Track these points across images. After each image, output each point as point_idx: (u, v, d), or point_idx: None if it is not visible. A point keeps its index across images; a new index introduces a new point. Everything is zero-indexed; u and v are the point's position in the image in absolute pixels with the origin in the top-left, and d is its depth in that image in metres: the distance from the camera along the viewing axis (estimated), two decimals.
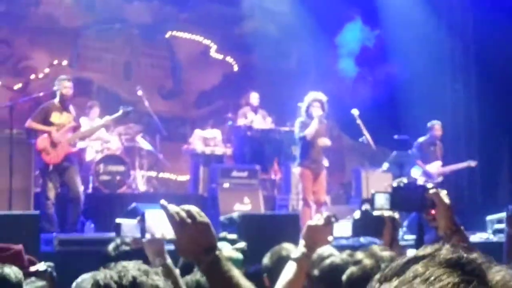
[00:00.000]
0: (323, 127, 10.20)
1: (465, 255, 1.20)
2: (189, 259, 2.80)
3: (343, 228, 3.23)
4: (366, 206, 3.19)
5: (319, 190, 10.19)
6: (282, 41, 14.87)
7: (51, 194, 9.40)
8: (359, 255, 2.93)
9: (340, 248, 3.33)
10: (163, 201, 2.29)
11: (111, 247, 4.06)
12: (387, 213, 3.13)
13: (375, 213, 3.13)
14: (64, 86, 9.61)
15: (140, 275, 1.68)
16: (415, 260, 1.22)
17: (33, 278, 4.12)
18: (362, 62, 14.30)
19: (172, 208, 2.25)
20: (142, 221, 2.54)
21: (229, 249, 3.90)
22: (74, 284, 1.81)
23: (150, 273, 1.72)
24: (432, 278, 1.15)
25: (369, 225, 3.15)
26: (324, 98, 10.13)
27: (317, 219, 3.14)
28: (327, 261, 3.17)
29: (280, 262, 4.10)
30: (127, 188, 11.41)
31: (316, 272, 3.15)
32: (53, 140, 9.40)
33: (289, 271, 3.10)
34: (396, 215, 3.08)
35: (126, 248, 3.93)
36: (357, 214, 3.20)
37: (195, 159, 12.35)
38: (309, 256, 3.10)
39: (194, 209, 2.26)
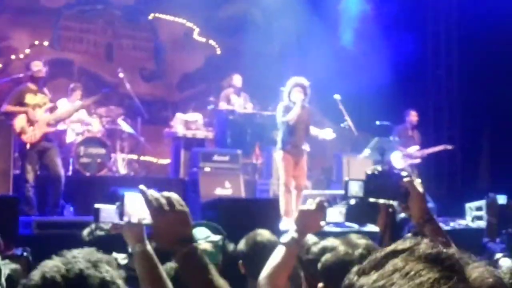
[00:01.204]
0: (306, 112, 10.13)
1: (444, 250, 1.19)
2: (163, 247, 2.79)
3: (336, 214, 3.22)
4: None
5: (300, 175, 10.17)
6: (265, 25, 14.81)
7: (30, 176, 9.36)
8: (335, 242, 2.93)
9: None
10: (142, 186, 2.25)
11: (85, 232, 4.04)
12: (382, 200, 3.08)
13: (371, 200, 3.09)
14: (35, 66, 9.59)
15: (88, 267, 1.65)
16: (394, 253, 1.21)
17: (7, 260, 4.10)
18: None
19: (152, 193, 2.22)
20: (121, 204, 2.50)
21: (203, 241, 3.86)
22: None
23: (100, 265, 1.68)
24: (412, 273, 1.14)
25: (363, 212, 3.12)
26: (306, 82, 10.05)
27: (310, 204, 3.13)
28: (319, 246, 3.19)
29: (255, 247, 4.11)
30: (107, 171, 11.36)
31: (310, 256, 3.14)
32: (30, 118, 9.39)
33: (277, 255, 3.08)
34: (394, 202, 3.01)
35: (101, 233, 3.92)
36: (352, 200, 3.15)
37: (176, 142, 12.30)
38: (299, 241, 3.09)
39: (174, 196, 2.23)
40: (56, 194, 9.52)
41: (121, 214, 2.50)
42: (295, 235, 3.08)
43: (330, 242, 2.99)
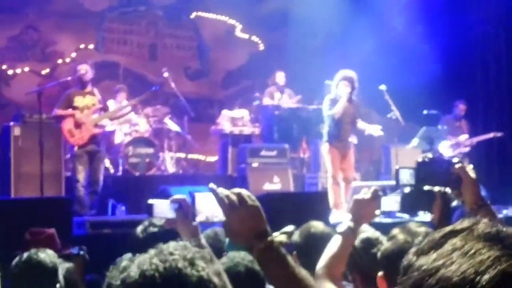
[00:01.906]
0: (352, 105, 10.00)
1: (503, 228, 1.19)
2: (239, 244, 2.79)
3: (391, 203, 3.21)
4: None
5: (347, 167, 10.08)
6: (308, 19, 14.77)
7: (81, 176, 9.52)
8: (394, 230, 2.94)
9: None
10: (212, 184, 2.23)
11: (139, 229, 4.07)
12: (437, 188, 3.05)
13: (426, 187, 3.06)
14: (82, 69, 9.77)
15: (185, 266, 1.64)
16: (453, 233, 1.21)
17: (60, 260, 4.18)
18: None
19: (222, 191, 2.21)
20: (192, 203, 2.53)
21: (278, 234, 3.89)
22: (115, 270, 1.79)
23: (196, 262, 1.66)
24: (472, 251, 1.14)
25: (418, 200, 3.09)
26: (355, 76, 9.93)
27: (364, 193, 3.12)
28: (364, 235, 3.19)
29: (309, 239, 4.14)
30: (156, 170, 11.46)
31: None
32: (77, 121, 9.53)
33: (334, 245, 3.09)
34: (448, 190, 2.97)
35: (154, 229, 3.96)
36: (406, 189, 3.14)
37: (223, 139, 12.36)
38: (355, 230, 3.10)
39: (244, 192, 2.21)
40: (92, 196, 9.66)
41: (193, 214, 2.52)
42: (351, 224, 3.08)
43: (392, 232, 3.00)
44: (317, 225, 4.32)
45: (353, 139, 11.25)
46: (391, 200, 3.23)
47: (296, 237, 4.26)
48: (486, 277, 1.10)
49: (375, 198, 3.11)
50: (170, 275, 1.61)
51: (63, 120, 9.63)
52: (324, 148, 10.17)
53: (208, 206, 2.43)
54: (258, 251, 2.14)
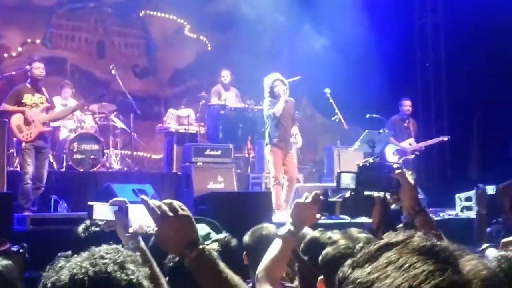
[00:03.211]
0: (290, 104, 10.39)
1: (438, 242, 1.20)
2: (172, 253, 2.82)
3: (329, 205, 3.17)
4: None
5: (290, 167, 10.35)
6: (256, 21, 14.88)
7: (30, 169, 9.47)
8: (336, 235, 2.95)
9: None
10: (143, 196, 2.29)
11: (81, 228, 4.06)
12: (377, 193, 3.11)
13: (366, 192, 3.12)
14: (36, 67, 9.68)
15: (115, 270, 1.69)
16: (388, 246, 1.21)
17: None
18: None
19: (153, 202, 2.24)
20: (125, 214, 2.56)
21: (209, 242, 3.92)
22: (50, 271, 1.83)
23: (126, 266, 1.72)
24: (406, 265, 1.14)
25: (358, 205, 3.09)
26: (283, 77, 10.39)
27: (305, 197, 3.14)
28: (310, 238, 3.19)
29: (261, 240, 4.17)
30: (101, 166, 11.43)
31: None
32: (27, 117, 9.50)
33: (274, 248, 3.11)
34: (387, 195, 3.00)
35: (96, 229, 3.96)
36: (347, 193, 3.14)
37: (168, 137, 12.39)
38: (295, 234, 3.12)
39: (175, 202, 2.24)
40: (35, 193, 9.62)
41: (126, 226, 2.54)
42: (292, 228, 3.10)
43: (330, 235, 3.01)
44: (268, 227, 4.36)
45: (297, 141, 11.46)
46: (331, 204, 3.25)
47: (247, 238, 4.30)
48: None
49: (316, 201, 3.12)
50: (100, 279, 1.66)
51: (11, 116, 9.57)
52: (266, 149, 10.39)
53: (141, 217, 2.48)
54: (190, 260, 2.17)
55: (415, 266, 1.13)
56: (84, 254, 1.75)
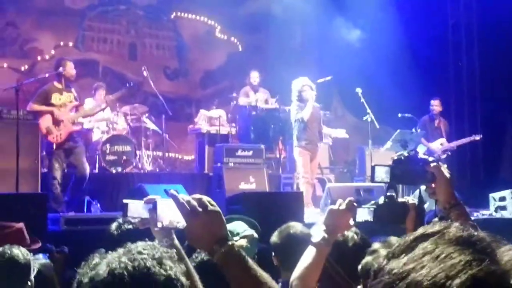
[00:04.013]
0: (316, 109, 10.74)
1: (475, 232, 1.18)
2: (201, 249, 2.81)
3: (364, 213, 3.14)
4: (391, 192, 3.15)
5: (313, 169, 10.81)
6: (286, 22, 14.89)
7: (58, 174, 9.50)
8: (375, 245, 2.95)
9: None
10: (172, 191, 2.27)
11: (113, 226, 4.09)
12: (412, 201, 3.07)
13: (400, 199, 3.06)
14: (71, 67, 9.74)
15: (154, 265, 1.68)
16: (424, 237, 1.20)
17: (37, 256, 4.21)
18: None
19: (183, 197, 2.23)
20: (154, 210, 2.57)
21: (238, 238, 3.93)
22: (86, 267, 1.83)
23: (164, 261, 1.71)
24: (443, 255, 1.13)
25: (392, 212, 3.06)
26: (311, 82, 10.71)
27: (339, 204, 3.09)
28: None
29: (289, 239, 4.16)
30: (133, 168, 11.50)
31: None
32: (56, 118, 9.51)
33: (308, 256, 3.06)
34: (423, 187, 2.97)
35: (129, 227, 3.99)
36: (381, 199, 3.10)
37: (200, 138, 12.43)
38: (329, 241, 3.07)
39: (205, 198, 2.24)
40: (81, 192, 9.68)
41: (154, 220, 2.55)
42: (325, 235, 3.05)
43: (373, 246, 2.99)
44: (296, 226, 4.34)
45: (328, 140, 11.57)
46: (365, 211, 3.23)
47: (275, 238, 4.29)
48: (457, 281, 1.09)
49: (350, 209, 3.07)
50: (139, 273, 1.66)
51: (40, 117, 9.61)
52: (296, 151, 10.72)
53: (170, 212, 2.48)
54: (219, 256, 2.16)
55: (451, 256, 1.12)
56: (121, 250, 1.75)
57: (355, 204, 3.10)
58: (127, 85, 10.88)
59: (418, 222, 3.03)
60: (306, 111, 10.45)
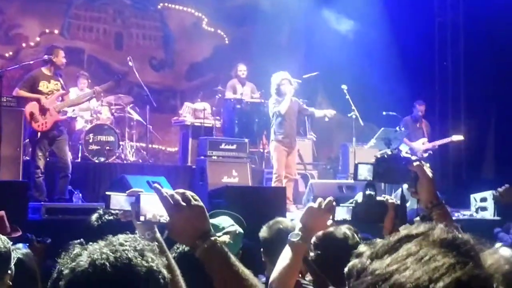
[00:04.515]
0: (294, 103, 10.71)
1: (459, 235, 1.19)
2: (183, 243, 2.79)
3: (343, 212, 3.14)
4: (370, 191, 3.13)
5: (291, 165, 10.70)
6: (274, 16, 14.87)
7: (41, 162, 9.43)
8: (361, 247, 2.92)
9: None
10: (156, 185, 2.27)
11: (94, 217, 4.09)
12: (391, 200, 3.08)
13: (379, 198, 3.07)
14: (62, 56, 9.65)
15: (135, 256, 1.68)
16: (408, 238, 1.20)
17: (18, 245, 4.17)
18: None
19: (166, 191, 2.23)
20: (137, 203, 2.55)
21: (221, 233, 3.91)
22: (66, 258, 1.81)
23: (146, 253, 1.71)
24: (427, 257, 1.13)
25: (370, 211, 3.06)
26: (290, 77, 10.72)
27: (319, 203, 3.07)
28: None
29: (278, 235, 4.16)
30: (116, 158, 11.45)
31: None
32: (42, 106, 9.41)
33: (285, 257, 3.03)
34: (405, 186, 2.95)
35: (110, 218, 3.97)
36: (359, 198, 3.10)
37: (184, 130, 12.40)
38: (306, 240, 3.05)
39: (188, 192, 2.23)
40: (63, 182, 9.61)
41: (137, 214, 2.54)
42: (301, 234, 3.03)
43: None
44: (285, 221, 4.36)
45: (312, 136, 11.56)
46: (343, 210, 3.21)
47: (263, 233, 4.29)
48: (440, 284, 1.08)
49: (330, 209, 3.06)
50: (121, 264, 1.65)
51: (26, 103, 9.52)
52: (271, 145, 10.71)
53: (153, 206, 2.47)
54: (201, 251, 2.16)
55: (435, 258, 1.12)
56: (102, 242, 1.75)
57: (334, 204, 3.08)
58: (115, 77, 10.81)
59: (397, 222, 3.04)
60: (283, 105, 10.44)
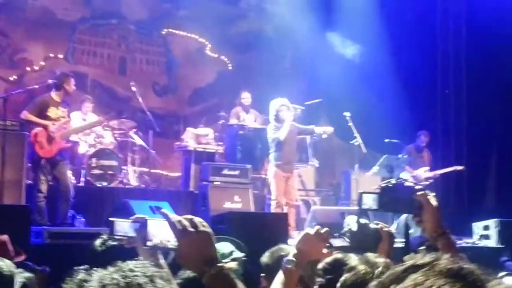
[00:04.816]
0: (293, 129, 10.74)
1: (465, 265, 1.17)
2: (190, 269, 2.80)
3: (339, 241, 3.16)
4: (364, 220, 3.13)
5: (291, 191, 10.72)
6: (277, 42, 14.94)
7: (43, 187, 9.44)
8: (353, 261, 2.90)
9: None
10: (164, 210, 2.28)
11: (98, 242, 4.10)
12: (386, 228, 3.08)
13: (372, 226, 3.07)
14: (73, 84, 9.74)
15: (146, 282, 1.68)
16: (414, 268, 1.18)
17: (21, 269, 4.17)
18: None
19: (174, 216, 2.24)
20: (144, 228, 2.56)
21: (228, 260, 3.92)
22: (71, 284, 1.81)
23: (155, 280, 1.71)
24: None
25: (365, 239, 3.08)
26: (289, 103, 10.78)
27: (316, 231, 3.04)
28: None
29: (280, 261, 4.17)
30: (118, 183, 11.45)
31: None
32: (50, 134, 9.44)
33: (278, 281, 3.01)
34: (410, 216, 2.99)
35: (114, 243, 3.98)
36: (354, 226, 3.12)
37: (186, 156, 12.39)
38: (300, 265, 3.02)
39: (196, 218, 2.24)
40: (65, 206, 9.61)
41: (143, 239, 2.54)
42: (295, 259, 2.99)
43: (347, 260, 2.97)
44: (286, 248, 4.35)
45: (314, 163, 11.56)
46: (339, 240, 3.19)
47: (265, 259, 4.29)
48: None
49: (326, 239, 3.04)
50: None
51: (31, 127, 9.54)
52: (270, 172, 10.77)
53: (160, 232, 2.47)
54: (208, 277, 2.15)
55: None
56: (111, 268, 1.75)
57: (328, 234, 3.05)
58: (122, 116, 10.99)
59: (391, 251, 3.04)
60: (283, 132, 10.47)
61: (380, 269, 2.74)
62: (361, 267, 2.80)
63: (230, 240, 4.32)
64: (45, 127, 9.47)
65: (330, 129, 11.01)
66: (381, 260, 2.85)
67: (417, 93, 14.20)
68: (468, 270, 1.16)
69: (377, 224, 3.57)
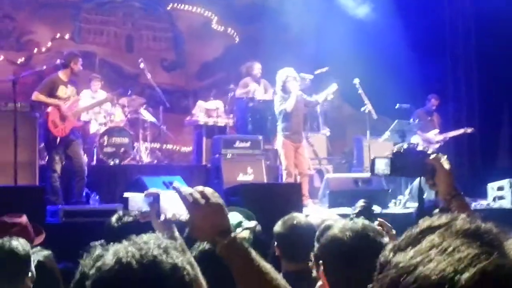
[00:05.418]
0: (300, 98, 10.68)
1: (482, 225, 1.16)
2: (203, 241, 2.78)
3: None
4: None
5: (301, 161, 10.68)
6: (283, 11, 14.86)
7: (58, 166, 9.52)
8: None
9: None
10: (176, 183, 2.29)
11: (114, 218, 4.14)
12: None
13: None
14: (80, 63, 9.77)
15: (160, 254, 1.69)
16: (430, 229, 1.18)
17: (38, 248, 4.21)
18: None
19: (185, 189, 2.24)
20: (157, 202, 2.57)
21: (240, 230, 3.93)
22: (89, 259, 1.82)
23: (170, 251, 1.72)
24: (450, 248, 1.11)
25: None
26: (296, 73, 10.69)
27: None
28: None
29: (293, 230, 4.20)
30: (131, 160, 11.50)
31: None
32: (62, 113, 9.51)
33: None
34: (423, 179, 2.89)
35: (129, 219, 4.02)
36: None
37: (197, 130, 12.41)
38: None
39: (208, 190, 2.25)
40: (80, 185, 9.68)
41: (157, 213, 2.55)
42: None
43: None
44: (299, 217, 4.37)
45: (325, 131, 11.53)
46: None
47: (278, 228, 4.30)
48: (465, 275, 1.06)
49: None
50: (146, 261, 1.66)
51: (41, 108, 9.63)
52: (279, 142, 10.71)
53: (172, 205, 2.48)
54: (222, 247, 2.16)
55: (459, 249, 1.10)
56: (126, 242, 1.76)
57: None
58: (128, 94, 11.05)
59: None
60: (290, 103, 10.43)
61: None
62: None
63: (238, 210, 4.33)
64: (57, 106, 9.54)
65: (333, 88, 10.82)
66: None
67: (427, 56, 14.09)
68: (484, 229, 1.15)
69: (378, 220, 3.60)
